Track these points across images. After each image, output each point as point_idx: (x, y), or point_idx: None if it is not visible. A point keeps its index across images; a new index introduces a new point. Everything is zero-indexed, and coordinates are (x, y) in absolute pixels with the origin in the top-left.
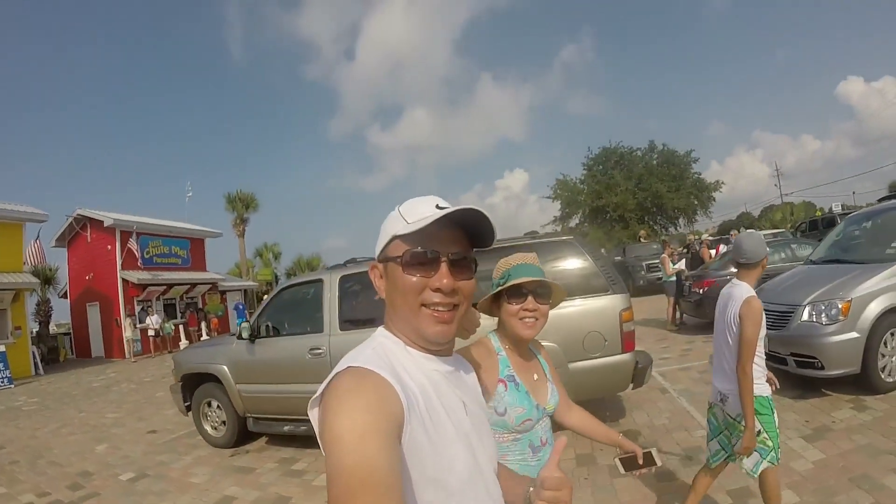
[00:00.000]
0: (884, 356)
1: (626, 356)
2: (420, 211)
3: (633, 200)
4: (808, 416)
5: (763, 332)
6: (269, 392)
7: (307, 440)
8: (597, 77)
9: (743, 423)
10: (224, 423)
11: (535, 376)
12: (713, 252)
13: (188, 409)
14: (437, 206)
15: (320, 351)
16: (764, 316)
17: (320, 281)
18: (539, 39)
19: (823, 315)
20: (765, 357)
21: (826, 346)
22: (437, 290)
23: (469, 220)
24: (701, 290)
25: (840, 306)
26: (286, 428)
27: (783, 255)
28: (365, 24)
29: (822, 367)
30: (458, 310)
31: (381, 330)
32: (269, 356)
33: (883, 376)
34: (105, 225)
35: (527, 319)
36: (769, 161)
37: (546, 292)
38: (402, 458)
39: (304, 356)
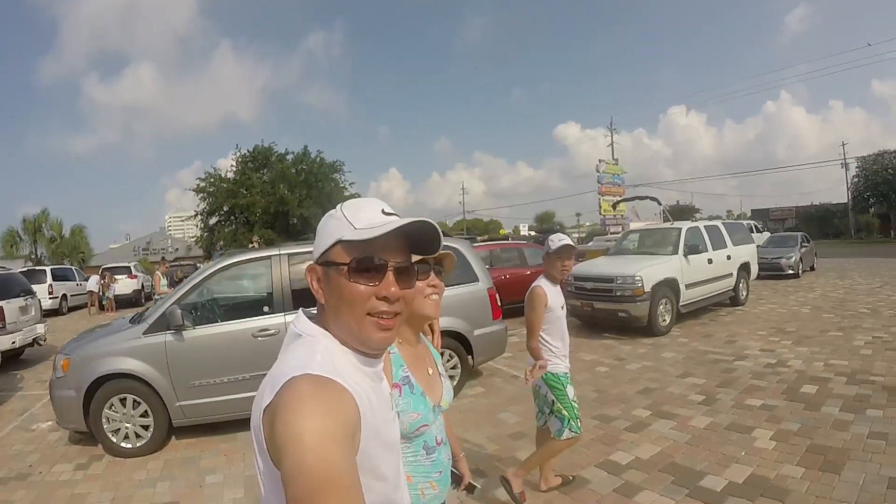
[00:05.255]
0: (109, 420)
1: None
2: (368, 216)
3: (261, 203)
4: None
5: (559, 313)
6: None
7: None
8: (339, 72)
9: (541, 391)
10: None
11: (430, 370)
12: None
13: None
14: (384, 212)
15: None
16: (554, 300)
17: None
18: (291, 18)
19: None
20: (566, 341)
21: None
22: (384, 298)
23: (415, 228)
24: None
25: None
26: None
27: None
28: None
29: None
30: (399, 317)
31: (320, 331)
32: None
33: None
34: None
35: (433, 296)
36: (486, 178)
37: (441, 266)
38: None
39: None
